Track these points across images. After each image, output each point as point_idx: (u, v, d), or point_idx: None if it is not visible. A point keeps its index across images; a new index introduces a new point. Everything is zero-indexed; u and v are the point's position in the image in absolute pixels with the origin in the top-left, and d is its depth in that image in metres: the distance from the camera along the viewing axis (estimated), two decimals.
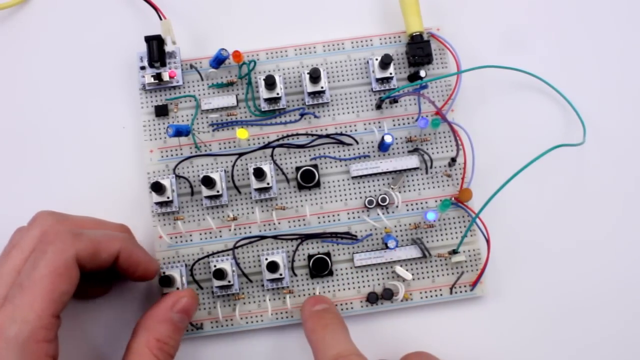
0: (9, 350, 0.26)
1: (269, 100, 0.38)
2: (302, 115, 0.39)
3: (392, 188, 0.38)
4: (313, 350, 0.32)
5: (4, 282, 0.29)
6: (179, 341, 0.33)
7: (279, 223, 0.38)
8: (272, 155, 0.38)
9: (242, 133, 0.37)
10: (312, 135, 0.38)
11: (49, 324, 0.28)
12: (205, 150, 0.38)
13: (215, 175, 0.37)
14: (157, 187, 0.36)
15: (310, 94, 0.38)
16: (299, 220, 0.38)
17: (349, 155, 0.39)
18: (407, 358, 0.34)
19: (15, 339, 0.27)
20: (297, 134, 0.38)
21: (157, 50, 0.38)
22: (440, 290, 0.38)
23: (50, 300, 0.28)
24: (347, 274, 0.37)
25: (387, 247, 0.37)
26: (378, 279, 0.37)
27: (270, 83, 0.37)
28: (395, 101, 0.39)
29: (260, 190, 0.37)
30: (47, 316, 0.28)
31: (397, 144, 0.39)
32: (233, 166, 0.38)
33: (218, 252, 0.37)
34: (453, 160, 0.38)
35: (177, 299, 0.33)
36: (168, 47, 0.39)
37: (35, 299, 0.28)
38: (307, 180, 0.38)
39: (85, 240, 0.30)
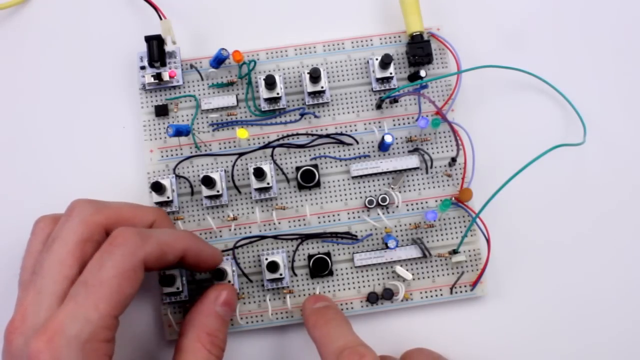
0: (70, 348, 0.26)
1: (269, 100, 0.38)
2: (302, 115, 0.39)
3: (392, 188, 0.38)
4: (317, 345, 0.32)
5: (55, 278, 0.29)
6: (226, 335, 0.33)
7: (279, 223, 0.38)
8: (272, 155, 0.38)
9: (242, 133, 0.37)
10: (312, 135, 0.38)
11: (110, 325, 0.28)
12: (205, 150, 0.38)
13: (215, 175, 0.37)
14: (157, 187, 0.36)
15: (310, 93, 0.38)
16: (299, 220, 0.38)
17: (349, 155, 0.39)
18: (408, 354, 0.34)
19: (77, 338, 0.26)
20: (297, 134, 0.38)
21: (157, 50, 0.38)
22: (441, 290, 0.38)
23: (115, 301, 0.28)
24: (347, 274, 0.37)
25: (387, 247, 0.37)
26: (378, 279, 0.37)
27: (270, 83, 0.37)
28: (396, 101, 0.39)
29: (260, 190, 0.37)
30: (109, 317, 0.28)
31: (397, 143, 0.39)
32: (233, 166, 0.38)
33: None
34: (453, 160, 0.38)
35: (219, 293, 0.34)
36: (168, 47, 0.39)
37: (101, 300, 0.27)
38: (307, 180, 0.38)
39: (152, 242, 0.30)
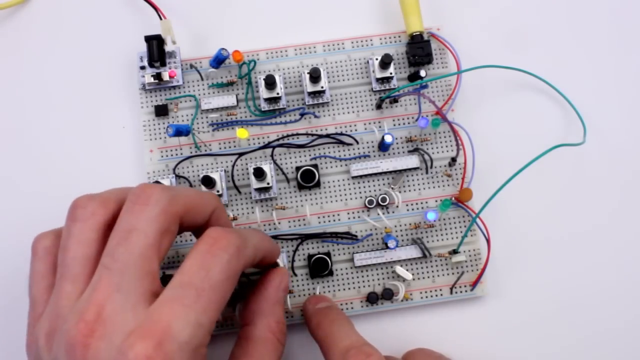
0: (182, 353, 0.24)
1: (269, 100, 0.38)
2: (302, 115, 0.39)
3: (392, 188, 0.38)
4: (322, 345, 0.32)
5: (138, 275, 0.26)
6: None
7: (279, 223, 0.38)
8: (272, 155, 0.38)
9: (242, 133, 0.37)
10: (312, 135, 0.38)
11: (212, 330, 0.26)
12: (205, 150, 0.38)
13: (215, 175, 0.37)
14: None
15: (310, 93, 0.38)
16: (299, 220, 0.38)
17: (349, 155, 0.39)
18: (410, 354, 0.34)
19: (188, 344, 0.25)
20: (297, 134, 0.38)
21: (157, 50, 0.38)
22: (441, 290, 0.38)
23: (221, 307, 0.27)
24: (347, 274, 0.37)
25: (387, 247, 0.37)
26: (378, 279, 0.37)
27: (270, 83, 0.37)
28: (396, 101, 0.39)
29: (260, 190, 0.37)
30: (214, 323, 0.26)
31: (397, 143, 0.39)
32: (233, 166, 0.38)
33: None
34: (453, 160, 0.38)
35: (281, 278, 0.33)
36: (168, 47, 0.39)
37: (211, 304, 0.26)
38: (307, 180, 0.38)
39: (251, 248, 0.29)
